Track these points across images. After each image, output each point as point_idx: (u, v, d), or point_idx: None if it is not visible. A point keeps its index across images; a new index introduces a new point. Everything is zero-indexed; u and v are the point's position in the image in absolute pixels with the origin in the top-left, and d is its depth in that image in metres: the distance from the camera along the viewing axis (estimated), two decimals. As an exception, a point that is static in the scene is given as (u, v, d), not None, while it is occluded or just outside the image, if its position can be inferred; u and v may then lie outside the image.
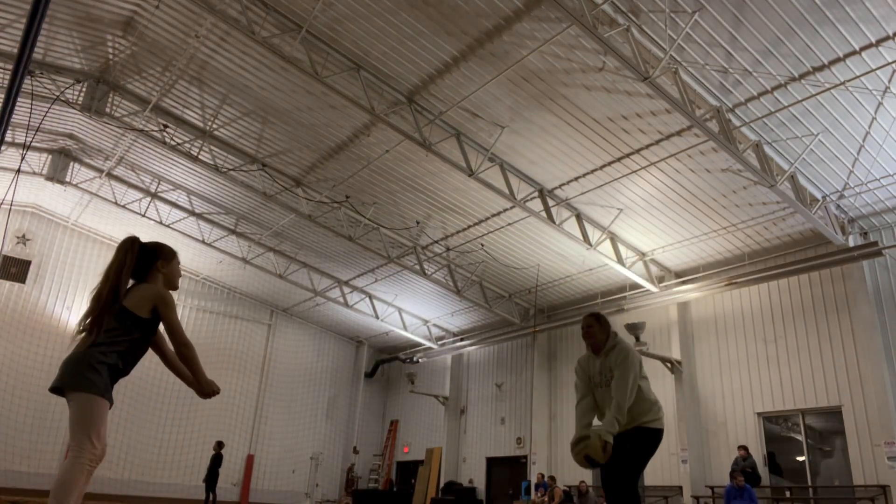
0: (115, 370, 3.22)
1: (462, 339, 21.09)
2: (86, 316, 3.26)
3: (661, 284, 14.90)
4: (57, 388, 3.11)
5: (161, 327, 3.41)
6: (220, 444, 16.21)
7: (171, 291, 3.50)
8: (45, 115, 13.00)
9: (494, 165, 12.40)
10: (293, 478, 21.83)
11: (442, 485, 19.94)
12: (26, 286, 18.78)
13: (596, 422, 4.44)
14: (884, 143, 10.15)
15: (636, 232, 14.00)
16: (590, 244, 13.50)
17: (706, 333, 14.63)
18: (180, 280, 3.76)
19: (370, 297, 20.28)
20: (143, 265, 3.45)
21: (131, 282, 3.42)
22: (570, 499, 15.09)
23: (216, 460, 15.80)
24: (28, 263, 18.92)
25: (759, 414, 13.24)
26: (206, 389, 3.43)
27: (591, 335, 4.51)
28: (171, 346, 3.43)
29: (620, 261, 14.14)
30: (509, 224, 14.66)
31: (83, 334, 3.24)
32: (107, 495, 17.95)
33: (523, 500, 16.70)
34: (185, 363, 3.40)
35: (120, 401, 19.30)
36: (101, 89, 12.86)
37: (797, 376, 12.66)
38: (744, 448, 12.72)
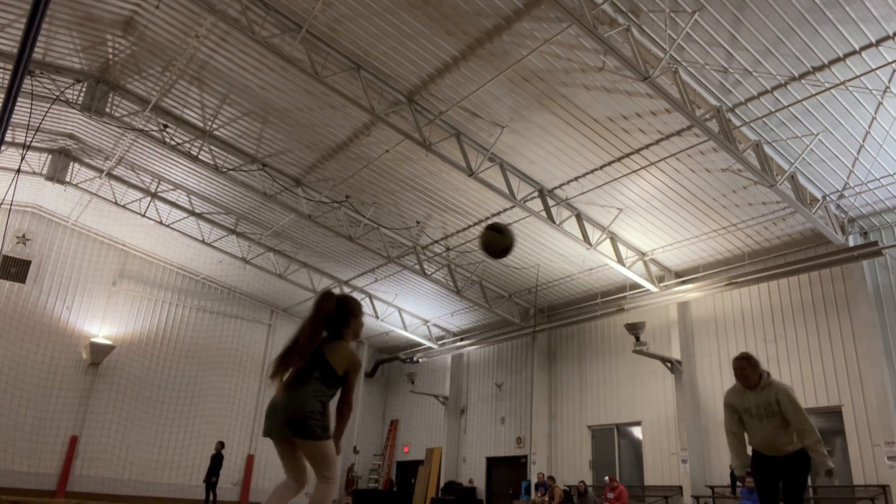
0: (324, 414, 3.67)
1: (462, 339, 21.09)
2: (281, 358, 3.60)
3: (661, 284, 14.90)
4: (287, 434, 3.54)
5: None
6: (221, 445, 16.19)
7: (354, 340, 3.94)
8: (45, 115, 13.01)
9: (494, 165, 12.41)
10: (293, 478, 21.81)
11: (442, 485, 19.94)
12: (26, 286, 18.77)
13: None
14: (884, 143, 10.15)
15: (636, 232, 14.00)
16: (590, 244, 13.50)
17: (706, 333, 14.63)
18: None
19: (370, 296, 20.27)
20: (338, 321, 3.80)
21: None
22: (570, 499, 15.09)
23: (217, 460, 15.79)
24: (28, 263, 18.91)
25: (759, 414, 13.23)
26: (337, 449, 3.75)
27: (745, 376, 5.20)
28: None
29: (620, 261, 14.15)
30: (509, 224, 14.64)
31: (276, 376, 3.61)
32: (107, 495, 17.94)
33: (523, 500, 16.70)
34: (338, 419, 3.75)
35: (120, 400, 19.32)
36: (101, 89, 12.86)
37: (797, 376, 12.65)
38: None
